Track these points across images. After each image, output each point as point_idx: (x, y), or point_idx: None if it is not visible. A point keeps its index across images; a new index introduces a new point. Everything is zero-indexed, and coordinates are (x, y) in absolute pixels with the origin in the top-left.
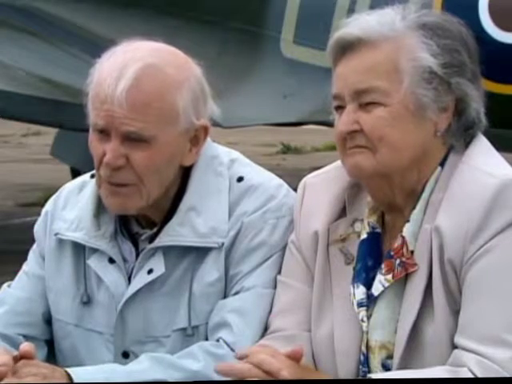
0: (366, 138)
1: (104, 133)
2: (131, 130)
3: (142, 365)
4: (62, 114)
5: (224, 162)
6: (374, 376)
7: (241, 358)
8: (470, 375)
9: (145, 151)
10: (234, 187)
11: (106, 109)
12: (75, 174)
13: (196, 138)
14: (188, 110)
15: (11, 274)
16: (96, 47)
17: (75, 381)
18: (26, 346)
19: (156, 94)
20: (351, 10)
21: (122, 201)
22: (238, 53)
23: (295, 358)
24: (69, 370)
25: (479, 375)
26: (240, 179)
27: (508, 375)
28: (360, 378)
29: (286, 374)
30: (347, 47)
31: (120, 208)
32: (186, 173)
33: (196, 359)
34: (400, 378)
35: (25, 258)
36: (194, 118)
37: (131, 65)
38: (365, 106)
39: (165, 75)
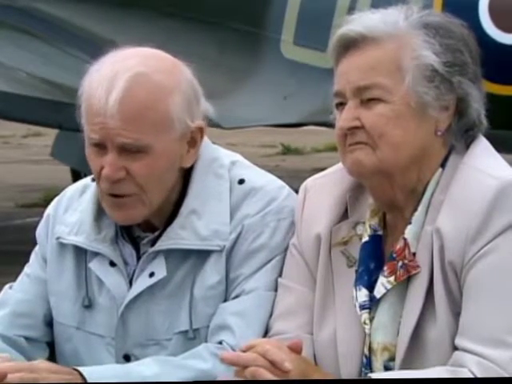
0: (366, 135)
1: (100, 146)
2: (127, 142)
3: (153, 369)
4: (62, 115)
5: (225, 164)
6: (374, 376)
7: (246, 350)
8: (469, 376)
9: (143, 161)
10: (235, 190)
11: (100, 122)
12: (75, 175)
13: (193, 139)
14: (182, 115)
15: (12, 275)
16: (96, 48)
17: (88, 381)
18: None
19: (148, 103)
20: (351, 12)
21: (126, 212)
22: (238, 54)
23: (296, 349)
24: (80, 369)
25: (479, 376)
26: (241, 181)
27: (508, 375)
28: (360, 378)
29: (289, 366)
30: (350, 44)
31: (125, 220)
32: (186, 176)
33: (203, 359)
34: (400, 378)
35: (25, 259)
36: (188, 121)
37: (121, 75)
38: (366, 103)
39: (155, 83)
